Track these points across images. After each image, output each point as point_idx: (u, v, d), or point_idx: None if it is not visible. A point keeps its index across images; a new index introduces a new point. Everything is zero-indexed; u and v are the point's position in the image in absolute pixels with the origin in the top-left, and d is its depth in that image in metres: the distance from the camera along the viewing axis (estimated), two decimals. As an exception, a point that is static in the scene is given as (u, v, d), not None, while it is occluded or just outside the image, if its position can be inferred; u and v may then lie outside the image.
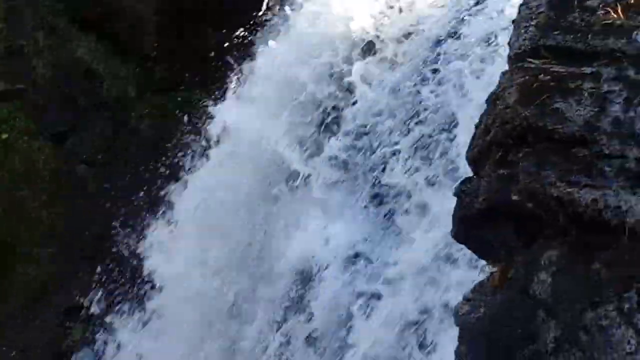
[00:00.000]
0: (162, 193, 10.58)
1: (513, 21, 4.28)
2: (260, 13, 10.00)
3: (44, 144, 12.15)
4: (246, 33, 10.62)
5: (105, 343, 10.50)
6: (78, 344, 11.01)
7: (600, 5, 3.85)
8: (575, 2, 3.94)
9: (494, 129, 4.15)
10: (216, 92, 10.32)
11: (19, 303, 11.42)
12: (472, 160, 4.45)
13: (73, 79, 12.54)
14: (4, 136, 12.02)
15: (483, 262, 5.01)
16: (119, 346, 10.33)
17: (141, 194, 11.16)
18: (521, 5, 4.23)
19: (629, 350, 3.46)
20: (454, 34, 8.35)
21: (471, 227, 4.52)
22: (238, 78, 10.02)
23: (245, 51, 10.24)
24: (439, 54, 8.32)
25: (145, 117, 12.49)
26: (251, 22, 10.57)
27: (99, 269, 11.35)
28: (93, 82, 12.58)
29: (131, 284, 10.57)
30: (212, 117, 9.96)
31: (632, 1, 3.79)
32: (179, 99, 11.92)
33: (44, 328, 11.28)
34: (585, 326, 3.64)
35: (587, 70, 3.78)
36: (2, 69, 12.29)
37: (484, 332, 4.26)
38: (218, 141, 9.84)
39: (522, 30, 4.09)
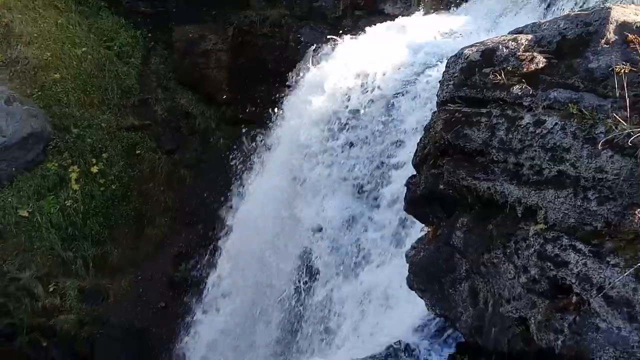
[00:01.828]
0: (233, 182, 10.51)
1: (439, 82, 4.26)
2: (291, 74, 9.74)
3: (161, 156, 12.27)
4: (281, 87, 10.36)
5: (201, 277, 10.41)
6: (185, 277, 11.04)
7: (491, 71, 3.84)
8: (476, 70, 3.93)
9: (429, 146, 4.14)
10: (263, 123, 10.13)
11: (147, 251, 11.48)
12: (416, 165, 4.45)
13: (178, 117, 12.69)
14: (138, 151, 12.15)
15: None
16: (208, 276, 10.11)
17: (221, 183, 11.20)
18: (444, 72, 4.21)
19: (509, 277, 3.47)
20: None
21: (415, 205, 4.51)
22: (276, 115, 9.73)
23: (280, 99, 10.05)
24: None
25: (221, 140, 12.57)
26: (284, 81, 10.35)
27: (195, 230, 11.42)
28: (190, 119, 12.73)
29: (214, 236, 10.51)
30: (262, 140, 9.78)
31: (509, 69, 3.77)
32: (241, 129, 11.90)
33: (162, 266, 11.32)
34: (484, 262, 3.65)
35: (483, 110, 3.77)
36: (136, 112, 12.44)
37: (423, 267, 4.27)
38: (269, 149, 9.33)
39: (445, 87, 4.08)
